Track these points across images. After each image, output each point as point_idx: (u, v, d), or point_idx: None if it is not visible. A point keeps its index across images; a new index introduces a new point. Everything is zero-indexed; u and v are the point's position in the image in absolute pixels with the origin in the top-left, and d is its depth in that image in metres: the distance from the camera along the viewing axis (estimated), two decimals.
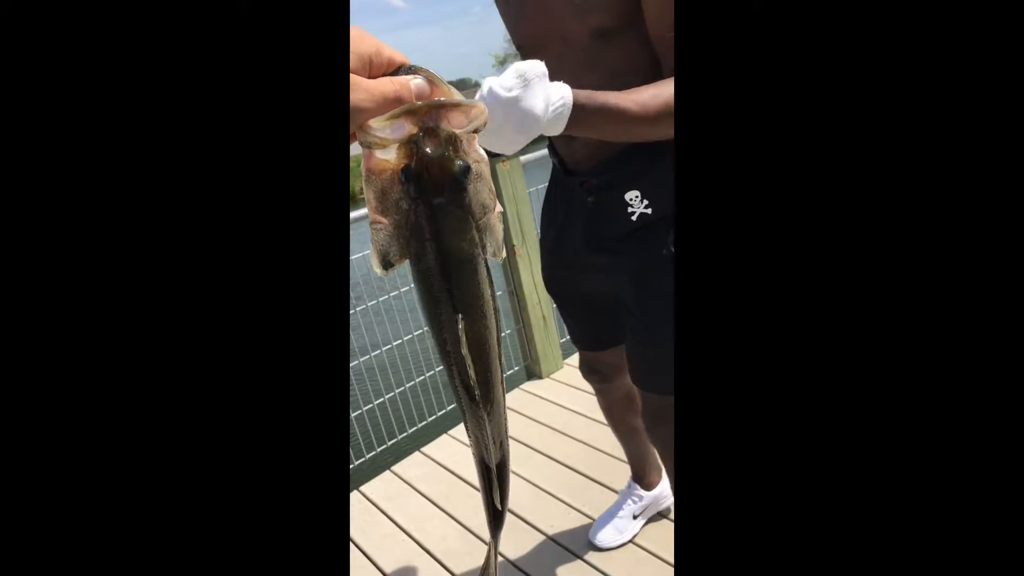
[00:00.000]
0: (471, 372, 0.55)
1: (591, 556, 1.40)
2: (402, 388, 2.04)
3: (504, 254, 0.55)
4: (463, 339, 0.53)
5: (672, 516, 1.47)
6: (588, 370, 1.25)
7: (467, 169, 0.48)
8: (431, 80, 0.47)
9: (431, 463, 1.87)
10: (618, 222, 0.92)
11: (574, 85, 0.69)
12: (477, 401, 0.57)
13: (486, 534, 1.46)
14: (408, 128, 0.45)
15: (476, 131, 0.49)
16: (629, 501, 1.44)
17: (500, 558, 1.45)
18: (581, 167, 0.93)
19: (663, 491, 1.48)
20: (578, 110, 0.67)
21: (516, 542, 1.50)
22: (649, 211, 0.90)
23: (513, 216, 2.06)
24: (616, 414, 1.33)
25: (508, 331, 2.27)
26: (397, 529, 1.61)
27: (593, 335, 1.16)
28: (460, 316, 0.53)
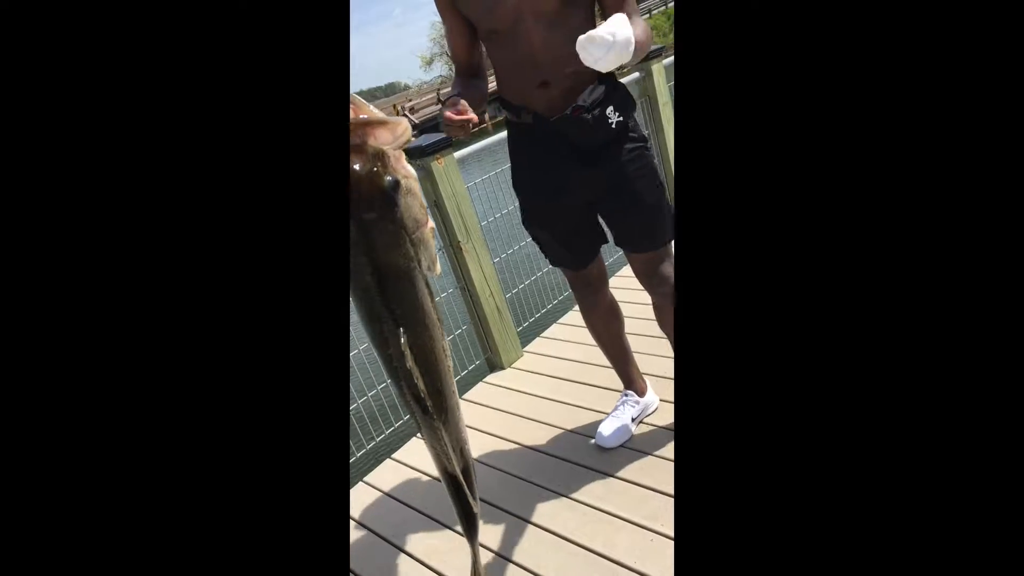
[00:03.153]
0: (420, 384, 0.58)
1: (584, 494, 1.51)
2: (364, 397, 2.10)
3: (439, 269, 0.60)
4: (407, 353, 0.57)
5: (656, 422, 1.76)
6: (582, 284, 1.60)
7: (396, 184, 0.51)
8: (354, 103, 0.51)
9: (404, 468, 1.95)
10: (602, 132, 1.31)
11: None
12: (430, 412, 0.60)
13: (486, 540, 1.53)
14: None
15: (401, 147, 0.53)
16: (626, 404, 1.77)
17: (486, 553, 1.55)
18: (559, 107, 1.29)
19: (651, 398, 1.82)
20: (637, 46, 1.12)
21: (496, 533, 1.59)
22: (621, 118, 1.32)
23: (455, 212, 2.14)
24: (601, 325, 1.68)
25: (464, 327, 2.36)
26: (375, 538, 1.69)
27: (580, 253, 1.53)
28: (402, 330, 0.56)
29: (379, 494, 1.85)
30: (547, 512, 1.59)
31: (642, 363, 1.87)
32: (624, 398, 1.79)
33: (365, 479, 1.95)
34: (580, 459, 1.74)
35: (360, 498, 1.85)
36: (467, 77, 1.39)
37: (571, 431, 1.86)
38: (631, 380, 1.79)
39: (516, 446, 1.89)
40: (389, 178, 0.49)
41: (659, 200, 1.40)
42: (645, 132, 1.44)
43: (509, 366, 2.36)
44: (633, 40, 1.09)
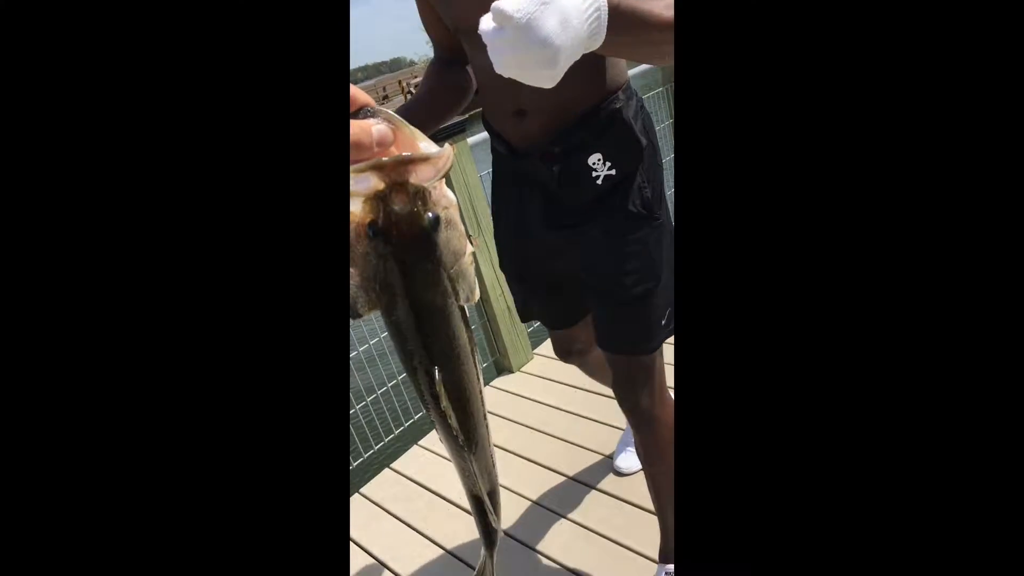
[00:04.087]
0: (453, 423, 0.58)
1: (579, 555, 1.45)
2: (363, 403, 2.05)
3: (478, 295, 0.57)
4: (442, 391, 0.55)
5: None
6: (564, 351, 1.31)
7: (437, 221, 0.49)
8: (393, 123, 0.49)
9: (403, 480, 1.88)
10: (583, 189, 0.97)
11: None
12: (462, 446, 0.60)
13: (470, 557, 1.49)
14: (374, 182, 0.46)
15: (443, 177, 0.50)
16: None
17: None
18: (535, 143, 0.96)
19: None
20: (614, 13, 0.65)
21: (502, 561, 1.53)
22: (613, 172, 0.96)
23: (466, 203, 2.07)
24: (603, 375, 1.40)
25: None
26: (368, 558, 1.63)
27: (563, 313, 1.22)
28: (437, 368, 0.55)
29: (377, 509, 1.79)
30: (558, 542, 1.52)
31: None
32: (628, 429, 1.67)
33: (361, 490, 1.89)
34: (595, 482, 1.67)
35: (355, 513, 1.78)
36: (444, 65, 1.07)
37: (585, 448, 1.79)
38: None
39: (525, 462, 1.82)
40: (430, 216, 0.48)
41: (649, 292, 1.01)
42: (655, 192, 1.02)
43: (518, 369, 2.29)
44: (578, 22, 0.62)
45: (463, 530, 1.63)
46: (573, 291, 1.13)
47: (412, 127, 0.50)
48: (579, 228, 1.00)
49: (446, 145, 0.49)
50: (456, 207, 0.52)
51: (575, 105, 0.93)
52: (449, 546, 1.60)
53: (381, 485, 1.89)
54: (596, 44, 0.66)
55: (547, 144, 0.95)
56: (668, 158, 3.02)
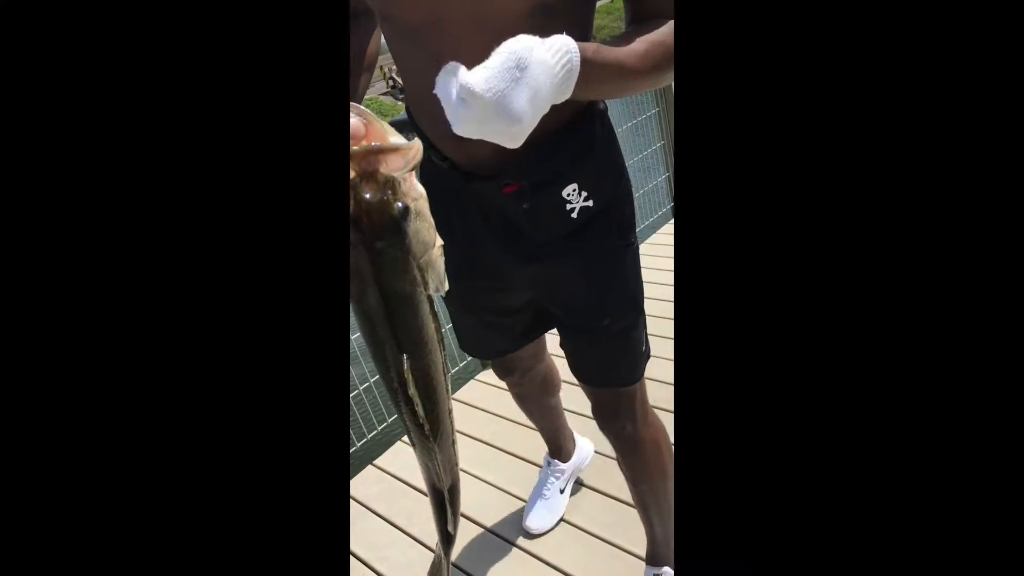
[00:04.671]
0: (420, 411, 0.60)
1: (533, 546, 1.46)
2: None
3: (447, 287, 0.58)
4: (410, 379, 0.57)
5: (589, 484, 1.63)
6: (504, 371, 1.26)
7: (407, 210, 0.51)
8: (364, 118, 0.50)
9: (387, 478, 1.89)
10: (556, 225, 0.86)
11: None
12: (427, 435, 0.62)
13: (460, 559, 1.49)
14: None
15: (413, 169, 0.52)
16: (551, 478, 1.58)
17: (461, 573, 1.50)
18: (488, 168, 0.81)
19: (580, 455, 1.63)
20: (587, 67, 0.61)
21: (480, 555, 1.54)
22: (591, 203, 0.85)
23: None
24: (532, 400, 1.41)
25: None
26: (354, 560, 1.63)
27: (509, 338, 1.11)
28: (405, 356, 0.57)
29: (360, 508, 1.79)
30: (545, 539, 1.53)
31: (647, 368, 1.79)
32: (548, 469, 1.59)
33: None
34: (582, 477, 1.68)
35: None
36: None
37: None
38: (559, 447, 1.57)
39: (511, 457, 1.83)
40: (399, 205, 0.49)
41: (630, 327, 0.96)
42: (628, 216, 0.93)
43: None
44: (568, 60, 0.58)
45: (419, 561, 1.61)
46: (524, 315, 1.07)
47: (383, 122, 0.51)
48: (550, 263, 0.90)
49: (415, 139, 0.51)
50: (426, 199, 0.54)
51: (539, 129, 0.71)
52: (434, 545, 1.61)
53: (364, 482, 1.89)
54: (565, 96, 0.62)
55: (505, 172, 0.80)
56: (660, 178, 3.03)
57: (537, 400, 1.41)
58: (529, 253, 0.89)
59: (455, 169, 0.83)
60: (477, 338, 1.12)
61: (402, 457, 1.96)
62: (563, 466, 1.59)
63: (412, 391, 0.58)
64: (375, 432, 2.11)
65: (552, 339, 1.20)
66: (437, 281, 0.57)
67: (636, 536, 1.39)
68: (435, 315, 0.59)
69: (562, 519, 1.58)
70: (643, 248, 2.93)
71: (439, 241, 0.57)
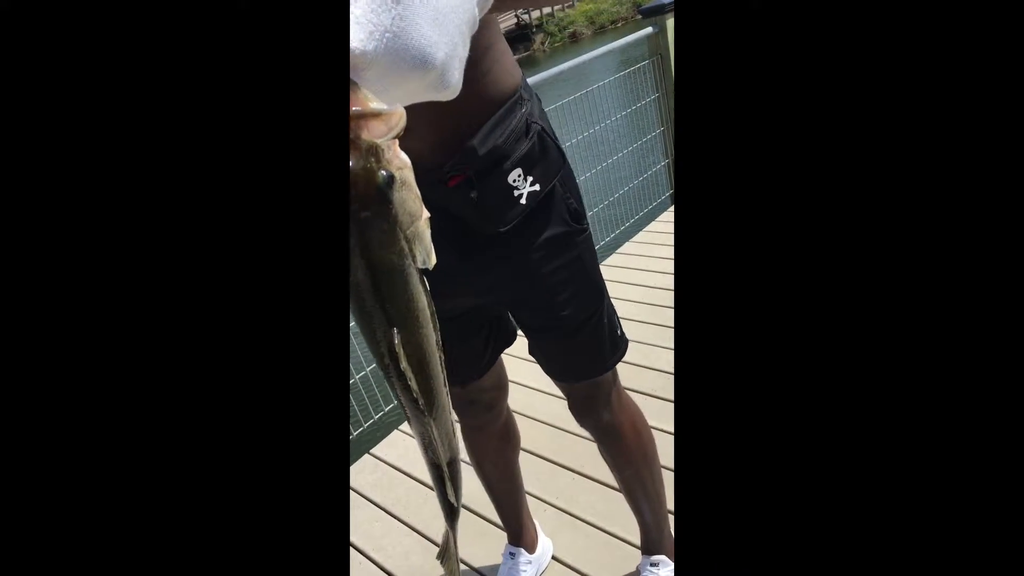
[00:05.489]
0: (413, 384, 0.60)
1: None
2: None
3: (434, 260, 0.59)
4: (401, 353, 0.57)
5: (586, 473, 1.54)
6: (468, 403, 1.17)
7: (391, 179, 0.51)
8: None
9: (383, 467, 1.91)
10: (505, 211, 0.84)
11: None
12: (422, 410, 0.62)
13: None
14: None
15: (397, 137, 0.52)
16: (519, 570, 1.39)
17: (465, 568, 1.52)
18: (430, 162, 0.79)
19: (545, 546, 1.47)
20: None
21: (485, 548, 1.55)
22: (537, 187, 0.85)
23: None
24: (493, 453, 1.28)
25: None
26: (353, 551, 1.64)
27: (471, 361, 1.08)
28: (396, 330, 0.57)
29: (357, 497, 1.81)
30: (542, 529, 1.53)
31: (647, 356, 1.80)
32: (510, 561, 1.39)
33: None
34: (580, 467, 1.69)
35: None
36: None
37: (569, 432, 1.81)
38: (521, 530, 1.40)
39: None
40: (384, 173, 0.49)
41: (593, 314, 0.95)
42: (577, 199, 0.93)
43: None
44: None
45: (416, 550, 1.62)
46: (481, 334, 1.05)
47: (366, 90, 0.52)
48: (503, 257, 0.88)
49: (398, 105, 0.51)
50: (411, 168, 0.54)
51: (470, 113, 0.78)
52: (432, 535, 1.62)
53: (361, 472, 1.91)
54: (486, 5, 0.51)
55: (446, 164, 0.80)
56: (660, 164, 3.02)
57: (500, 451, 1.29)
58: (479, 252, 0.88)
59: None
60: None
61: (399, 446, 1.98)
62: (528, 556, 1.40)
63: (404, 365, 0.58)
64: (370, 421, 2.13)
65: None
66: (424, 253, 0.57)
67: (634, 525, 1.40)
68: (425, 289, 0.59)
69: (559, 509, 1.58)
70: (641, 236, 2.96)
71: (425, 213, 0.57)
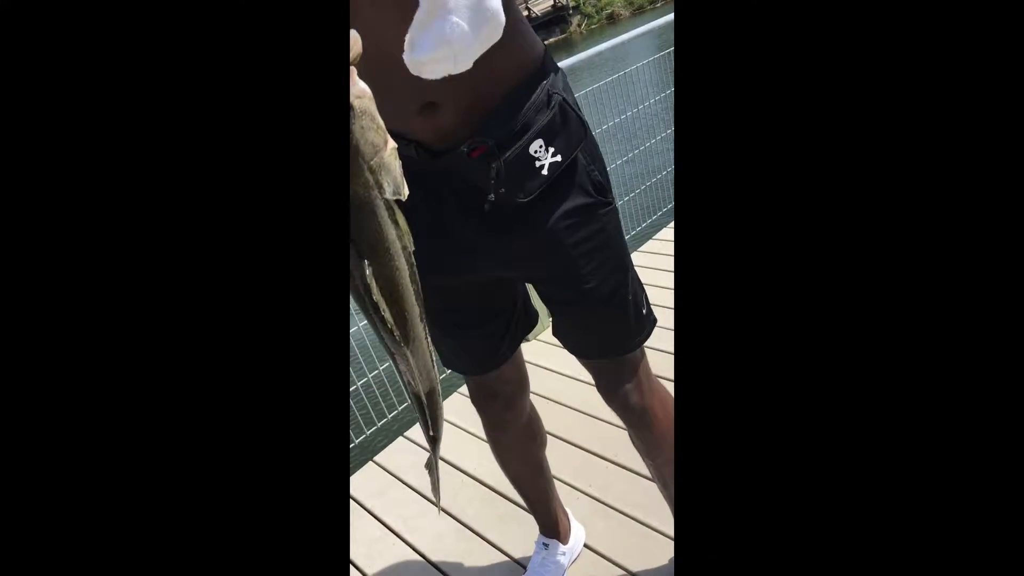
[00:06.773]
0: (387, 315, 0.62)
1: None
2: (385, 364, 2.07)
3: (406, 191, 0.60)
4: (373, 285, 0.60)
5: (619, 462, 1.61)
6: (487, 396, 1.20)
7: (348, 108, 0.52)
8: None
9: (418, 450, 1.92)
10: (527, 181, 0.88)
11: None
12: (398, 340, 0.65)
13: (488, 531, 1.52)
14: None
15: (353, 63, 0.53)
16: (549, 562, 1.42)
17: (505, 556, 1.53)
18: (455, 139, 0.85)
19: (578, 535, 1.49)
20: None
21: (516, 534, 1.55)
22: (559, 158, 0.88)
23: None
24: (519, 452, 1.30)
25: None
26: (387, 532, 1.66)
27: (492, 349, 1.12)
28: (366, 262, 0.59)
29: (358, 509, 1.78)
30: (574, 517, 1.52)
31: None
32: (543, 552, 1.42)
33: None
34: (614, 456, 1.68)
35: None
36: None
37: (602, 420, 1.80)
38: (554, 522, 1.42)
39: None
40: None
41: (619, 287, 0.97)
42: (602, 171, 0.96)
43: (534, 338, 2.27)
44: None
45: (449, 533, 1.62)
46: (501, 319, 1.09)
47: None
48: (526, 230, 0.92)
49: (353, 31, 0.53)
50: (371, 98, 0.55)
51: (495, 86, 0.84)
52: (435, 556, 1.58)
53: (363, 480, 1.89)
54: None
55: (472, 137, 0.84)
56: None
57: (526, 449, 1.30)
58: (502, 225, 0.91)
59: (422, 152, 0.87)
60: (445, 346, 1.12)
61: (396, 457, 1.95)
62: (562, 547, 1.43)
63: (376, 296, 0.60)
64: (373, 429, 2.11)
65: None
66: (394, 184, 0.58)
67: (669, 516, 1.38)
68: (396, 222, 0.60)
69: (592, 497, 1.58)
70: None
71: (392, 143, 0.57)
